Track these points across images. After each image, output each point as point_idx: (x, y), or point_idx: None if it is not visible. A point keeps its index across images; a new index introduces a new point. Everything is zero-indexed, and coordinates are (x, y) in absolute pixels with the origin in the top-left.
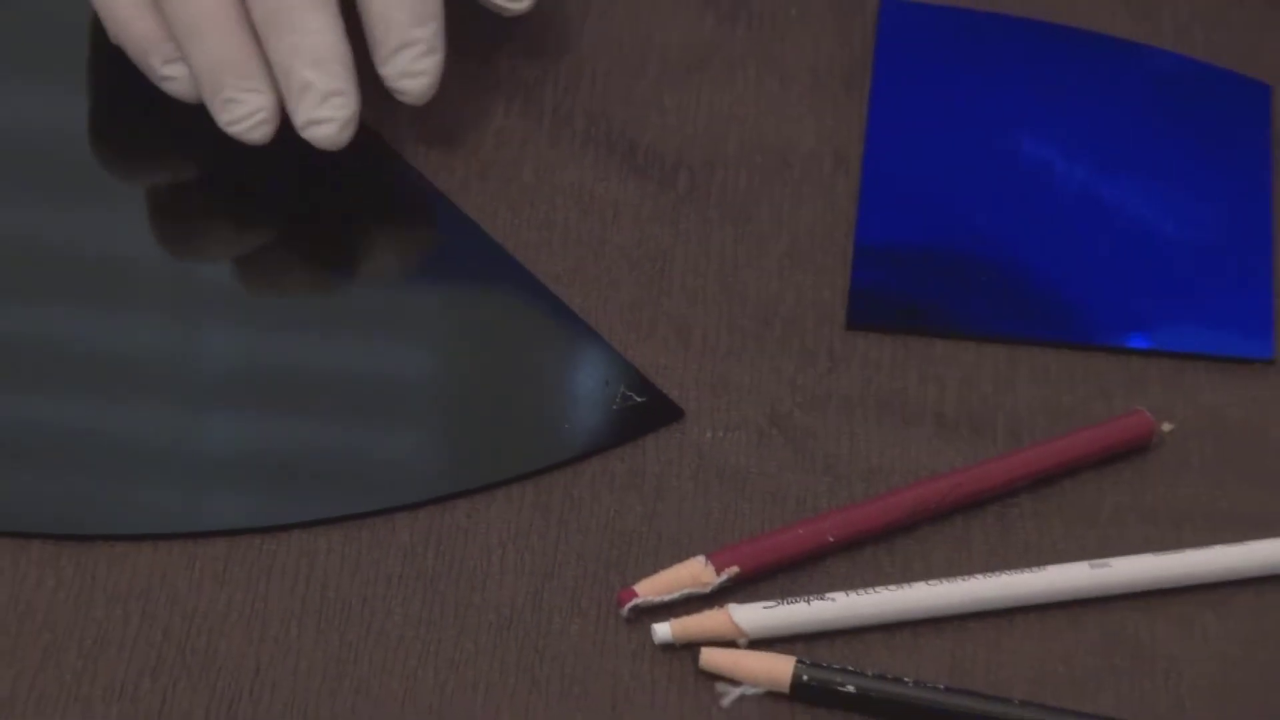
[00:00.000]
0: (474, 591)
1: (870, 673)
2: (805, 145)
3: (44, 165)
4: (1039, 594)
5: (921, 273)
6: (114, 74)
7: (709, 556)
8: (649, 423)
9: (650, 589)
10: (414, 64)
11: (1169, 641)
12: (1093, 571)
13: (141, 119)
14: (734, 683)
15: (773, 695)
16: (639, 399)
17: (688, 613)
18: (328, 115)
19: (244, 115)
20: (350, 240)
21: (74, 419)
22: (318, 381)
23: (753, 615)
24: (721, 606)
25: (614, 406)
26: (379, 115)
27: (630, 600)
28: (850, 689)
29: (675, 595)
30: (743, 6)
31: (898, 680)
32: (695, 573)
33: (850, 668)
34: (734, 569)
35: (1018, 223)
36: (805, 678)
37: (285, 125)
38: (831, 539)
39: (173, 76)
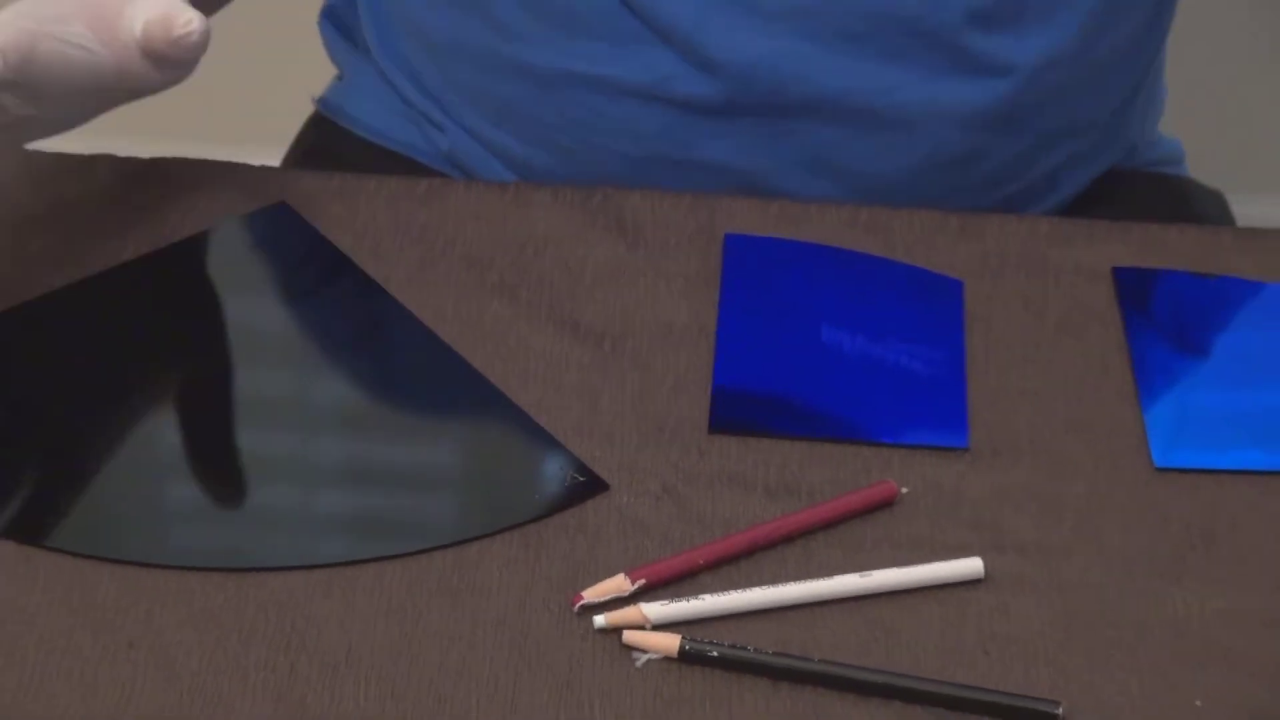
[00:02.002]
0: (482, 599)
1: (727, 643)
2: (681, 321)
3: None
4: (829, 594)
5: (755, 399)
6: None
7: (627, 573)
8: (588, 493)
9: (592, 594)
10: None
11: (909, 623)
12: (861, 579)
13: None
14: (643, 651)
15: (667, 659)
16: (581, 478)
17: (615, 609)
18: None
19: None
20: (406, 382)
21: (230, 495)
22: (387, 470)
23: (655, 609)
24: (636, 605)
25: (566, 483)
26: (419, 305)
27: (580, 601)
28: (715, 654)
29: (607, 598)
30: (640, 238)
31: (744, 648)
32: (619, 584)
33: (715, 640)
34: (643, 581)
35: (817, 369)
36: (687, 647)
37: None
38: (702, 563)
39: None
